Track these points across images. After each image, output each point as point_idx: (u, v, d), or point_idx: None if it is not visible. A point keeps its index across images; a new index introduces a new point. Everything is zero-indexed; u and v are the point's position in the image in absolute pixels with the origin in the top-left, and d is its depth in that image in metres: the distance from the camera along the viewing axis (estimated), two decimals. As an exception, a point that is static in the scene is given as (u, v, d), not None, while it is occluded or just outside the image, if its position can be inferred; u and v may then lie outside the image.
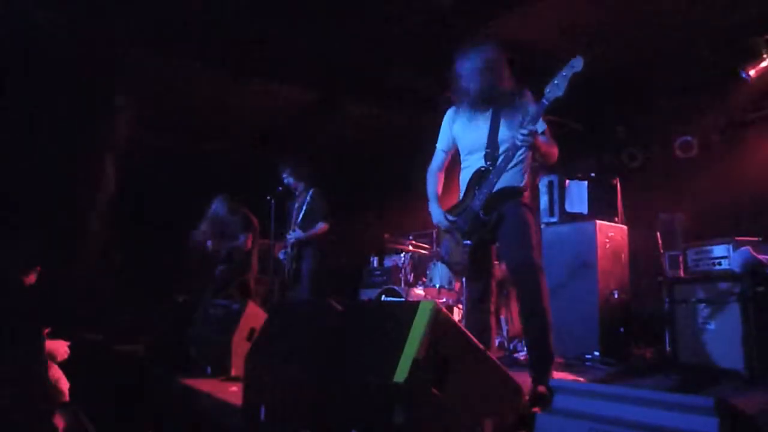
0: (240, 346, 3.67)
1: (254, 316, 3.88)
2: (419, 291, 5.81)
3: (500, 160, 2.93)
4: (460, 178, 3.20)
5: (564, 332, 3.94)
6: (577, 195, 4.92)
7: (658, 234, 4.99)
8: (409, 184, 5.10)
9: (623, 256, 4.74)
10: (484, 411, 1.99)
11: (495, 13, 4.83)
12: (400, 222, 7.36)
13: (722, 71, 5.17)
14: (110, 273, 6.29)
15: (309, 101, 6.61)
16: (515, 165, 3.02)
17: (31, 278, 2.98)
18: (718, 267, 3.97)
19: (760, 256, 3.64)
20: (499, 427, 2.00)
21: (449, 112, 3.25)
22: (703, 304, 3.74)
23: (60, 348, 2.97)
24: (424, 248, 6.40)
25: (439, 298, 5.48)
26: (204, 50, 5.36)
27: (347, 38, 5.27)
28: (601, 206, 4.88)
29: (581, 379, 3.50)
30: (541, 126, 3.00)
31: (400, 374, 1.79)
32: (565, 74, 2.75)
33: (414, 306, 1.93)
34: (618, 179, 5.05)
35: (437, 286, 5.56)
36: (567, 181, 4.95)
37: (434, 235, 6.54)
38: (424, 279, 6.06)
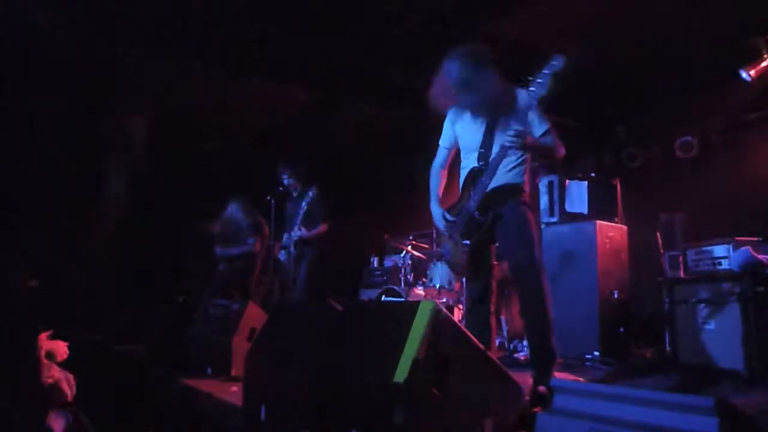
0: (240, 346, 3.68)
1: (254, 316, 3.89)
2: (419, 291, 5.81)
3: (492, 160, 2.94)
4: (460, 177, 3.21)
5: (564, 332, 3.92)
6: (577, 195, 4.92)
7: (658, 234, 4.99)
8: (409, 184, 5.10)
9: (623, 256, 4.74)
10: (484, 411, 1.99)
11: (495, 13, 4.82)
12: (400, 222, 7.36)
13: (722, 71, 5.16)
14: (110, 273, 6.28)
15: (309, 101, 6.61)
16: (514, 165, 3.02)
17: (31, 278, 2.97)
18: (718, 267, 3.97)
19: (760, 256, 3.63)
20: (500, 427, 2.00)
21: (451, 110, 3.25)
22: (703, 304, 3.73)
23: (59, 348, 2.97)
24: (424, 248, 6.40)
25: (439, 298, 5.48)
26: (204, 50, 5.35)
27: (347, 38, 5.26)
28: (601, 206, 4.89)
29: (581, 379, 3.49)
30: (544, 126, 3.00)
31: (400, 374, 1.79)
32: (546, 72, 2.73)
33: (414, 306, 1.93)
34: (618, 179, 5.05)
35: (437, 286, 5.56)
36: (567, 181, 4.96)
37: (434, 235, 6.54)
38: (424, 279, 6.06)
